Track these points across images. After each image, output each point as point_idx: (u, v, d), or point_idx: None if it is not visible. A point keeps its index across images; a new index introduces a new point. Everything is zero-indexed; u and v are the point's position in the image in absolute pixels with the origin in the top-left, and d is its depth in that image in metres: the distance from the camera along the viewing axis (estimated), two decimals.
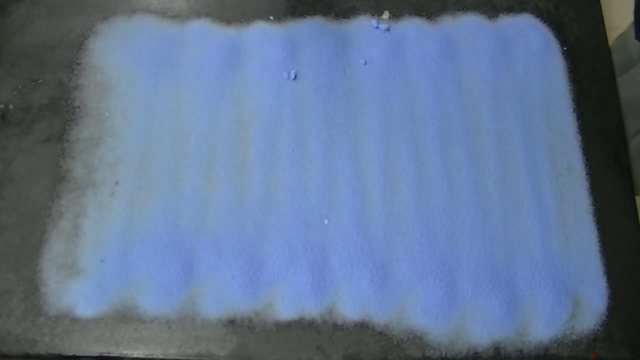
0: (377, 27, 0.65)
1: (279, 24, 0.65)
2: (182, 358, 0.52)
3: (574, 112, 0.62)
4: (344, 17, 0.66)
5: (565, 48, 0.65)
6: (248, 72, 0.62)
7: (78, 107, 0.61)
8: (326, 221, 0.57)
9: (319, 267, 0.55)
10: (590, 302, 0.55)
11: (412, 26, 0.66)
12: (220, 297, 0.54)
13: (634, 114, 0.63)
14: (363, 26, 0.65)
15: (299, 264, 0.55)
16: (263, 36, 0.64)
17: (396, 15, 0.66)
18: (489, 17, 0.67)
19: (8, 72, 0.63)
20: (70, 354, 0.52)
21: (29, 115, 0.61)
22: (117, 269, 0.54)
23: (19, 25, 0.65)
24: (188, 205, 0.57)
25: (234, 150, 0.59)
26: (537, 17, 0.67)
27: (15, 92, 0.62)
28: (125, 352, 0.52)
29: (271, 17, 0.65)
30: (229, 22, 0.65)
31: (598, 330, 0.54)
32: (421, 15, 0.66)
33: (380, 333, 0.53)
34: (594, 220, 0.58)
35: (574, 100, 0.63)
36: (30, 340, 0.52)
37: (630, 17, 0.66)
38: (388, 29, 0.65)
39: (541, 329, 0.54)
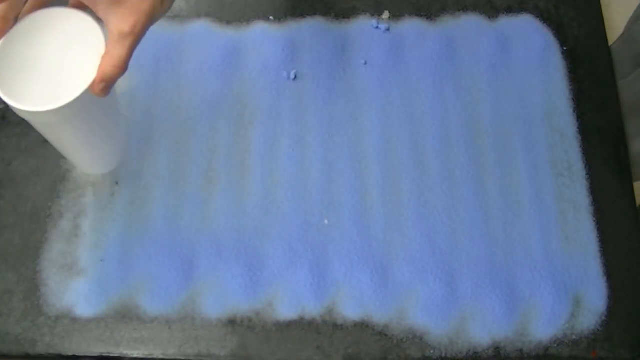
0: (377, 27, 0.65)
1: (279, 24, 0.65)
2: (182, 358, 0.52)
3: (574, 112, 0.62)
4: (344, 17, 0.66)
5: (565, 48, 0.65)
6: (248, 72, 0.62)
7: None
8: (326, 221, 0.57)
9: (319, 267, 0.55)
10: (590, 302, 0.55)
11: (412, 26, 0.66)
12: (220, 297, 0.54)
13: None
14: (363, 26, 0.65)
15: (299, 264, 0.55)
16: (263, 36, 0.64)
17: (396, 15, 0.66)
18: (489, 17, 0.67)
19: None
20: (70, 354, 0.52)
21: None
22: (117, 269, 0.54)
23: None
24: (188, 205, 0.57)
25: (234, 150, 0.59)
26: (537, 17, 0.67)
27: None
28: (125, 352, 0.52)
29: (271, 17, 0.66)
30: (229, 22, 0.65)
31: (598, 330, 0.54)
32: (421, 15, 0.66)
33: (380, 333, 0.53)
34: (594, 220, 0.58)
35: (574, 100, 0.63)
36: (30, 340, 0.52)
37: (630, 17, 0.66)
38: (388, 29, 0.65)
39: (541, 329, 0.54)
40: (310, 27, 0.65)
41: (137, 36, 0.42)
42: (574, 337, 0.54)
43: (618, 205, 0.59)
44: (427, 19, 0.66)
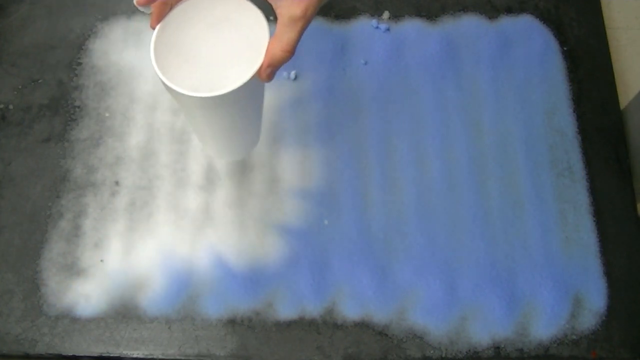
0: (377, 27, 0.65)
1: None
2: (182, 358, 0.52)
3: (574, 112, 0.62)
4: (344, 17, 0.66)
5: (565, 48, 0.65)
6: None
7: (78, 107, 0.61)
8: (326, 221, 0.57)
9: (319, 267, 0.55)
10: (590, 302, 0.55)
11: (412, 26, 0.66)
12: (220, 297, 0.54)
13: None
14: (363, 26, 0.65)
15: (299, 264, 0.55)
16: None
17: (396, 15, 0.66)
18: (489, 18, 0.67)
19: (8, 72, 0.63)
20: (70, 354, 0.52)
21: (29, 115, 0.61)
22: (117, 269, 0.54)
23: (19, 25, 0.65)
24: (188, 205, 0.57)
25: None
26: (537, 17, 0.67)
27: (15, 92, 0.62)
28: (125, 352, 0.52)
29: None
30: None
31: (598, 330, 0.54)
32: (421, 16, 0.66)
33: (380, 333, 0.53)
34: (594, 220, 0.58)
35: (574, 100, 0.63)
36: (30, 340, 0.52)
37: (631, 18, 0.66)
38: (388, 29, 0.65)
39: (541, 329, 0.54)
40: (310, 27, 0.65)
41: (307, 20, 0.41)
42: (574, 337, 0.54)
43: (618, 205, 0.59)
44: (427, 19, 0.66)
